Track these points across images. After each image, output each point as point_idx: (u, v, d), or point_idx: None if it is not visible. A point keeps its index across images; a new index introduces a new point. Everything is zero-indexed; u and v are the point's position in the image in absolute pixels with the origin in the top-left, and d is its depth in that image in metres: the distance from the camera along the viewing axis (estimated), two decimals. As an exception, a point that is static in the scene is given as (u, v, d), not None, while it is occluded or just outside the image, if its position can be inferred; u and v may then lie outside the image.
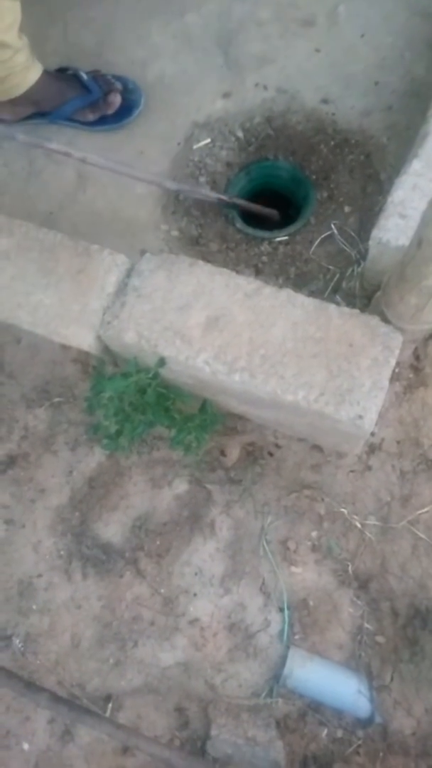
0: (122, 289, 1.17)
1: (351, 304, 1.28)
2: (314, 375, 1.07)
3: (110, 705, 1.18)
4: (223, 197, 1.43)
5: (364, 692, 1.14)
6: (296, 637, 1.20)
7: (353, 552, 1.24)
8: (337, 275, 1.41)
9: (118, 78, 1.60)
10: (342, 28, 1.64)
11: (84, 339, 1.17)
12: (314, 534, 1.26)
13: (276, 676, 1.17)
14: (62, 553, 1.28)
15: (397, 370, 1.29)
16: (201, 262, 1.17)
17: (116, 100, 1.55)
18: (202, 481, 1.30)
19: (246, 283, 1.15)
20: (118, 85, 1.57)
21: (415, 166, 1.24)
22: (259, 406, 1.18)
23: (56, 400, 1.38)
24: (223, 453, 1.31)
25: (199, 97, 1.62)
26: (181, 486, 1.30)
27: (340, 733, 1.15)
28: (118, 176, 1.46)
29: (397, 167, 1.36)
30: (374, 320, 1.10)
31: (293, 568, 1.24)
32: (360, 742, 1.14)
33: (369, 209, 1.46)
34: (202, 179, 1.54)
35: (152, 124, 1.61)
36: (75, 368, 1.37)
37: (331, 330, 1.10)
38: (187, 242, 1.50)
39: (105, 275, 1.18)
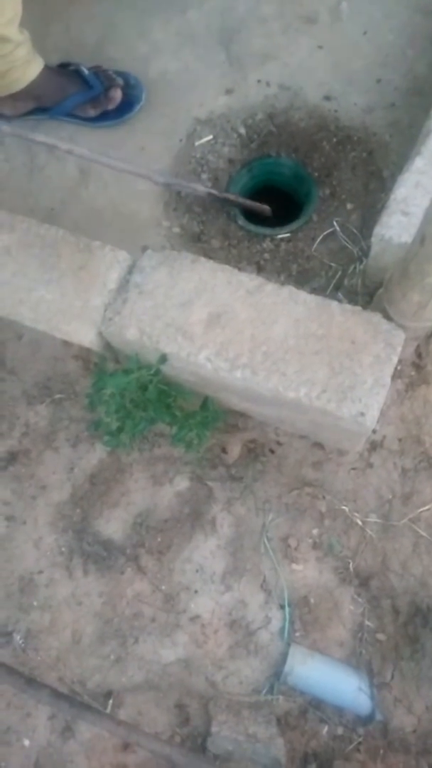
0: (124, 285, 1.17)
1: (353, 301, 1.28)
2: (316, 372, 1.06)
3: (111, 701, 1.18)
4: (214, 192, 1.42)
5: (365, 689, 1.14)
6: (297, 634, 1.20)
7: (354, 549, 1.24)
8: (339, 272, 1.41)
9: (120, 73, 1.59)
10: (344, 25, 1.64)
11: (85, 335, 1.16)
12: (315, 531, 1.26)
13: (277, 673, 1.17)
14: (63, 549, 1.28)
15: (399, 368, 1.29)
16: (203, 259, 1.17)
17: (117, 95, 1.55)
18: (203, 478, 1.30)
19: (248, 280, 1.14)
20: (120, 81, 1.57)
21: (418, 163, 1.23)
22: (260, 403, 1.17)
23: (57, 396, 1.37)
24: (224, 450, 1.31)
25: (201, 93, 1.62)
26: (182, 483, 1.30)
27: (340, 731, 1.15)
28: (120, 173, 1.45)
29: (399, 164, 1.36)
30: (376, 317, 1.10)
31: (294, 566, 1.24)
32: (360, 739, 1.14)
33: (371, 206, 1.46)
34: (204, 176, 1.54)
35: (154, 121, 1.60)
36: (76, 365, 1.37)
37: (333, 327, 1.09)
38: (189, 239, 1.49)
39: (106, 271, 1.18)
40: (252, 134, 1.58)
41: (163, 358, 1.13)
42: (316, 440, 1.29)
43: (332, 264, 1.43)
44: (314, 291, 1.20)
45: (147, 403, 1.19)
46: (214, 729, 1.12)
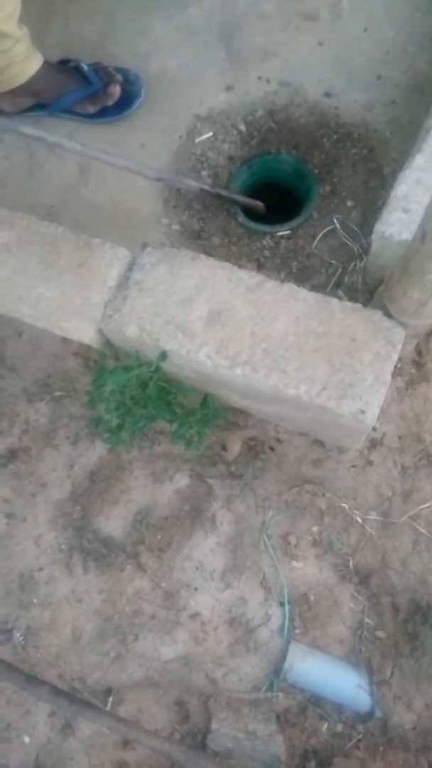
0: (124, 282, 1.17)
1: (353, 298, 1.28)
2: (316, 369, 1.06)
3: (111, 698, 1.18)
4: (206, 187, 1.41)
5: (365, 687, 1.14)
6: (297, 631, 1.20)
7: (354, 547, 1.24)
8: (340, 270, 1.41)
9: (120, 70, 1.59)
10: (345, 22, 1.63)
11: (85, 332, 1.16)
12: (315, 529, 1.26)
13: (276, 670, 1.17)
14: (63, 546, 1.28)
15: (399, 365, 1.29)
16: (203, 256, 1.17)
17: (116, 91, 1.55)
18: (203, 475, 1.30)
19: (248, 277, 1.14)
20: (119, 77, 1.57)
21: (419, 160, 1.23)
22: (260, 401, 1.17)
23: (57, 393, 1.37)
24: (224, 447, 1.31)
25: (201, 90, 1.61)
26: (182, 480, 1.30)
27: (340, 728, 1.15)
28: (119, 170, 1.45)
29: (400, 161, 1.36)
30: (377, 315, 1.10)
31: (294, 563, 1.24)
32: (360, 736, 1.14)
33: (372, 203, 1.46)
34: (204, 173, 1.54)
35: (154, 117, 1.60)
36: (76, 362, 1.37)
37: (334, 324, 1.09)
38: (189, 236, 1.49)
39: (106, 269, 1.18)
40: (252, 131, 1.57)
41: (163, 356, 1.12)
42: (316, 438, 1.29)
43: (332, 261, 1.43)
44: (314, 288, 1.19)
45: (147, 401, 1.19)
46: (214, 726, 1.12)
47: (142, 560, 1.26)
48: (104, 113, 1.58)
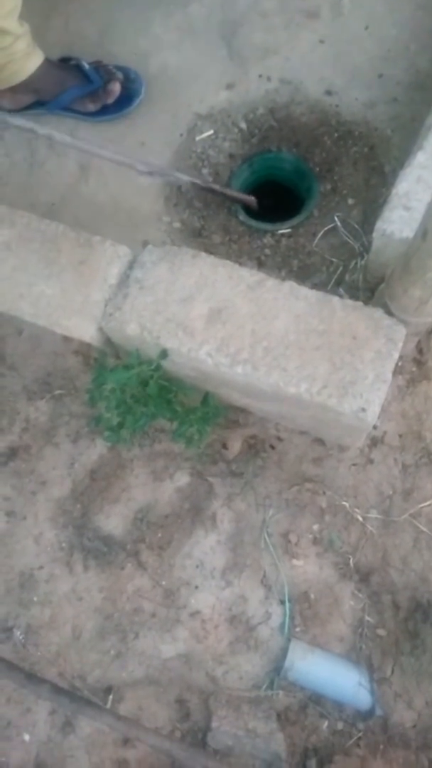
0: (124, 280, 1.17)
1: (354, 296, 1.28)
2: (317, 367, 1.06)
3: (111, 696, 1.18)
4: (198, 182, 1.40)
5: (365, 685, 1.14)
6: (297, 629, 1.20)
7: (354, 545, 1.24)
8: (341, 268, 1.41)
9: (120, 68, 1.59)
10: (346, 20, 1.63)
11: (86, 330, 1.16)
12: (316, 527, 1.26)
13: (277, 668, 1.17)
14: (63, 545, 1.28)
15: (400, 363, 1.29)
16: (203, 254, 1.17)
17: (116, 88, 1.54)
18: (204, 473, 1.30)
19: (249, 275, 1.14)
20: (120, 75, 1.56)
21: (420, 158, 1.23)
22: (261, 399, 1.17)
23: (58, 392, 1.37)
24: (224, 446, 1.31)
25: (202, 88, 1.61)
26: (182, 478, 1.30)
27: (340, 726, 1.15)
28: (120, 167, 1.44)
29: (401, 159, 1.36)
30: (378, 313, 1.09)
31: (294, 561, 1.24)
32: (360, 734, 1.14)
33: (373, 201, 1.46)
34: (205, 171, 1.54)
35: (155, 116, 1.60)
36: (77, 360, 1.37)
37: (334, 322, 1.09)
38: (190, 234, 1.49)
39: (107, 267, 1.17)
40: (253, 129, 1.57)
41: (164, 354, 1.12)
42: (316, 436, 1.29)
43: (333, 259, 1.43)
44: (315, 286, 1.19)
45: (147, 399, 1.19)
46: (214, 724, 1.12)
47: (143, 558, 1.25)
48: (104, 111, 1.57)
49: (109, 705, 1.17)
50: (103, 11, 1.72)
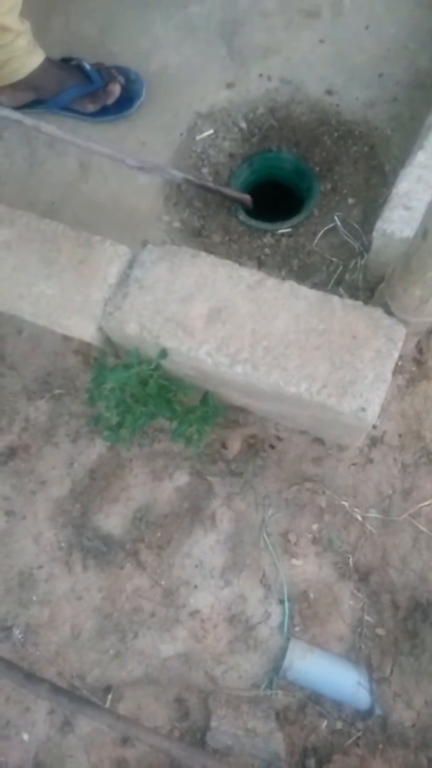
0: (124, 280, 1.17)
1: (354, 296, 1.28)
2: (317, 367, 1.06)
3: (110, 696, 1.18)
4: (190, 177, 1.39)
5: (364, 684, 1.14)
6: (296, 629, 1.20)
7: (354, 545, 1.24)
8: (341, 267, 1.41)
9: (121, 70, 1.59)
10: (346, 19, 1.63)
11: (86, 330, 1.16)
12: (315, 526, 1.26)
13: (276, 667, 1.17)
14: (63, 544, 1.28)
15: (400, 363, 1.29)
16: (203, 254, 1.17)
17: (116, 89, 1.54)
18: (203, 473, 1.30)
19: (249, 274, 1.14)
20: (120, 77, 1.56)
21: (420, 157, 1.23)
22: (261, 399, 1.17)
23: (57, 391, 1.37)
24: (224, 445, 1.31)
25: (202, 87, 1.61)
26: (182, 478, 1.30)
27: (339, 725, 1.15)
28: (120, 167, 1.44)
29: (401, 159, 1.36)
30: (377, 312, 1.09)
31: (294, 561, 1.24)
32: (360, 734, 1.14)
33: (373, 201, 1.46)
34: (205, 170, 1.54)
35: (155, 115, 1.60)
36: (76, 360, 1.37)
37: (334, 322, 1.09)
38: (190, 234, 1.49)
39: (107, 266, 1.17)
40: (253, 128, 1.57)
41: (164, 353, 1.12)
42: (316, 436, 1.29)
43: (333, 259, 1.43)
44: (315, 286, 1.19)
45: (147, 398, 1.19)
46: (213, 723, 1.12)
47: (142, 558, 1.25)
48: (104, 112, 1.57)
49: (108, 704, 1.17)
50: (103, 11, 1.72)
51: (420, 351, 1.31)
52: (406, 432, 1.28)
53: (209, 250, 1.36)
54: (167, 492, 1.30)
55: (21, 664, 1.17)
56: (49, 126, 1.23)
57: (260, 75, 1.60)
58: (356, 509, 1.26)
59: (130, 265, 1.18)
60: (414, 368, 1.31)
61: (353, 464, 1.28)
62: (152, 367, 1.16)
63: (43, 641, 1.23)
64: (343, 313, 1.10)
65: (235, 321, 1.10)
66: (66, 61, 1.57)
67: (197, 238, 1.48)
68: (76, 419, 1.36)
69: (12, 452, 1.35)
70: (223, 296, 1.12)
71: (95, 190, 1.54)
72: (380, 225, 1.18)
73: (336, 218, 1.45)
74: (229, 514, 1.27)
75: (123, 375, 1.16)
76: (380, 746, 1.13)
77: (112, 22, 1.70)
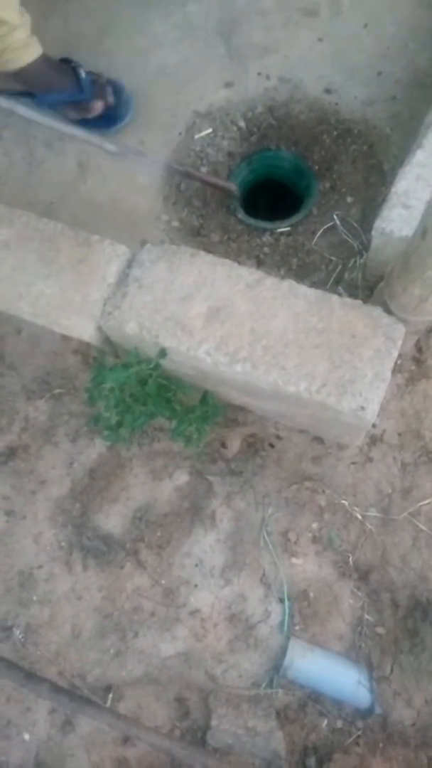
0: (123, 279, 1.17)
1: (353, 295, 1.28)
2: (316, 366, 1.06)
3: (111, 695, 1.18)
4: (173, 165, 1.38)
5: (364, 683, 1.14)
6: (296, 628, 1.20)
7: (354, 543, 1.24)
8: (340, 266, 1.41)
9: (116, 87, 1.55)
10: (345, 18, 1.63)
11: (85, 330, 1.16)
12: (315, 525, 1.26)
13: (276, 666, 1.17)
14: (63, 544, 1.28)
15: (399, 362, 1.29)
16: (202, 253, 1.17)
17: (98, 107, 1.52)
18: (203, 472, 1.30)
19: (248, 273, 1.14)
20: (110, 96, 1.54)
21: (419, 156, 1.23)
22: (260, 398, 1.17)
23: (57, 391, 1.37)
24: (223, 444, 1.31)
25: (200, 86, 1.61)
26: (181, 477, 1.30)
27: (340, 724, 1.15)
28: (119, 166, 1.44)
29: (400, 157, 1.35)
30: (377, 311, 1.09)
31: (294, 560, 1.24)
32: (360, 732, 1.14)
33: (372, 200, 1.45)
34: (204, 169, 1.53)
35: (153, 114, 1.60)
36: (76, 359, 1.37)
37: (334, 321, 1.09)
38: (188, 233, 1.49)
39: (106, 266, 1.17)
40: (252, 127, 1.57)
41: (163, 353, 1.12)
42: (315, 434, 1.29)
43: (332, 258, 1.42)
44: (314, 285, 1.19)
45: (146, 398, 1.19)
46: (213, 722, 1.12)
47: (142, 557, 1.25)
48: (83, 123, 1.55)
49: (108, 704, 1.17)
50: (102, 10, 1.71)
51: (419, 350, 1.31)
52: (405, 431, 1.28)
53: (208, 250, 1.36)
54: (167, 491, 1.30)
55: (22, 664, 1.17)
56: (28, 110, 1.22)
57: (259, 74, 1.60)
58: (356, 508, 1.26)
59: (129, 264, 1.18)
60: (413, 367, 1.31)
61: (353, 463, 1.28)
62: (151, 366, 1.16)
63: (44, 641, 1.23)
64: (342, 311, 1.10)
65: (234, 320, 1.10)
66: (66, 62, 1.57)
67: (196, 237, 1.48)
68: (75, 419, 1.36)
69: (12, 452, 1.35)
70: (222, 295, 1.12)
71: (94, 190, 1.54)
72: (379, 224, 1.18)
73: (335, 217, 1.45)
74: (229, 514, 1.27)
75: (122, 374, 1.16)
76: (380, 745, 1.13)
77: (110, 21, 1.70)
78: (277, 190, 1.59)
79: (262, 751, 1.11)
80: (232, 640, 1.20)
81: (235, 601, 1.22)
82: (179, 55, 1.65)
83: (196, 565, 1.24)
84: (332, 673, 1.15)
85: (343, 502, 1.26)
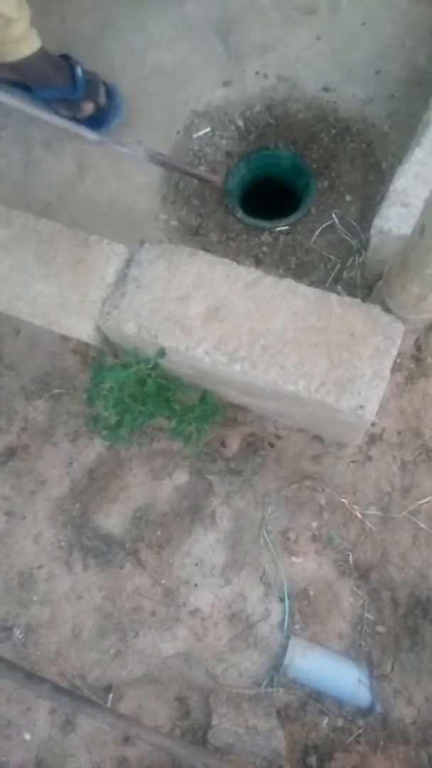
0: (122, 279, 1.17)
1: (352, 294, 1.28)
2: (315, 365, 1.06)
3: (111, 695, 1.18)
4: (155, 154, 1.37)
5: (365, 681, 1.14)
6: (297, 626, 1.20)
7: (354, 542, 1.24)
8: (338, 265, 1.41)
9: (110, 90, 1.55)
10: (343, 16, 1.63)
11: (84, 330, 1.16)
12: (315, 524, 1.26)
13: (276, 665, 1.17)
14: (63, 544, 1.28)
15: (398, 360, 1.29)
16: (201, 252, 1.16)
17: (88, 108, 1.52)
18: (203, 472, 1.30)
19: (246, 273, 1.14)
20: (102, 99, 1.54)
21: (418, 154, 1.23)
22: (259, 397, 1.17)
23: (56, 391, 1.37)
24: (223, 444, 1.31)
25: (198, 85, 1.61)
26: (181, 477, 1.30)
27: (340, 722, 1.16)
28: (117, 166, 1.43)
29: (398, 156, 1.35)
30: (376, 310, 1.09)
31: (294, 559, 1.24)
32: (360, 731, 1.14)
33: (370, 198, 1.45)
34: (202, 168, 1.53)
35: (151, 113, 1.59)
36: (74, 359, 1.37)
37: (332, 320, 1.09)
38: (187, 232, 1.49)
39: (104, 265, 1.17)
40: (250, 126, 1.57)
41: (162, 352, 1.12)
42: (315, 433, 1.29)
43: (331, 256, 1.42)
44: (313, 284, 1.19)
45: (146, 397, 1.19)
46: (214, 722, 1.12)
47: (142, 557, 1.25)
48: (74, 120, 1.55)
49: (109, 704, 1.17)
50: (99, 9, 1.71)
51: (418, 348, 1.31)
52: (405, 429, 1.28)
53: (207, 249, 1.36)
54: (167, 491, 1.30)
55: (22, 664, 1.18)
56: (7, 96, 1.23)
57: (257, 73, 1.60)
58: (356, 507, 1.26)
59: (128, 264, 1.18)
60: (412, 365, 1.31)
61: (352, 462, 1.28)
62: (150, 366, 1.16)
63: (44, 641, 1.23)
64: (341, 310, 1.09)
65: (232, 319, 1.10)
66: (65, 58, 1.56)
67: (195, 236, 1.48)
68: (74, 419, 1.35)
69: (11, 452, 1.35)
70: (220, 295, 1.12)
71: (92, 190, 1.54)
72: (378, 222, 1.18)
73: (334, 216, 1.45)
74: (228, 513, 1.27)
75: (121, 374, 1.16)
76: (381, 743, 1.13)
77: (107, 20, 1.70)
78: (275, 189, 1.58)
79: (263, 750, 1.11)
80: (233, 639, 1.20)
81: (235, 600, 1.22)
82: (177, 54, 1.64)
83: (196, 565, 1.25)
84: (333, 671, 1.16)
85: (343, 500, 1.26)
